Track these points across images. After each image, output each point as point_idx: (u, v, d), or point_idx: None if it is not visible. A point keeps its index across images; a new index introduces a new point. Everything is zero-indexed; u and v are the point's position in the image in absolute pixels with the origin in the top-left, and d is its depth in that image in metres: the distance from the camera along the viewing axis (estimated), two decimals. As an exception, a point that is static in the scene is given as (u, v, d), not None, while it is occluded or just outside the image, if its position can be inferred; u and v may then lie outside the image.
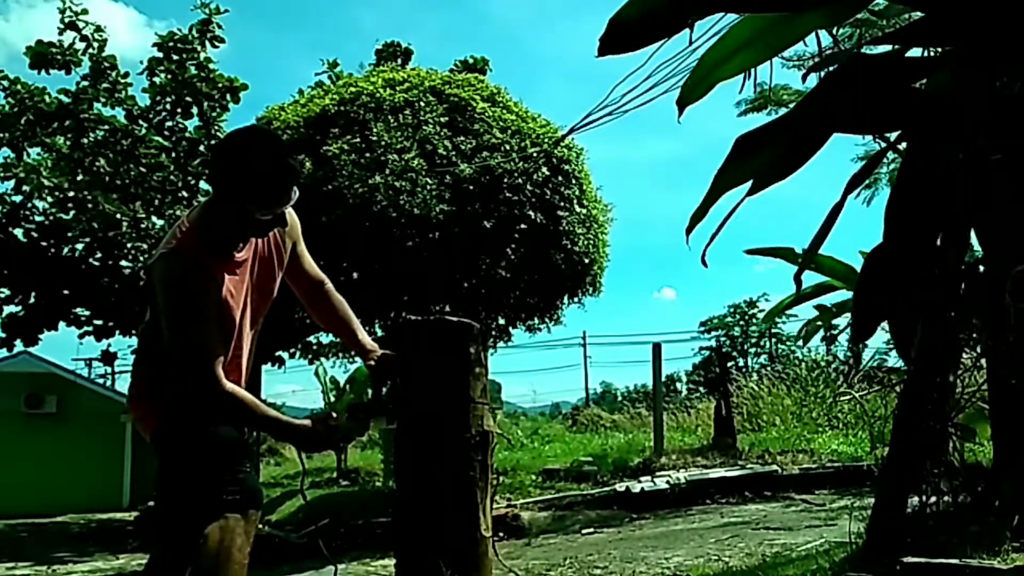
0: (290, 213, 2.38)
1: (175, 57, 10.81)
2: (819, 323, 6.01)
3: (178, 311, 2.19)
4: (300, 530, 7.07)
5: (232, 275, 2.27)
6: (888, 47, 2.22)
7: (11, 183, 10.72)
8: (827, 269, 4.89)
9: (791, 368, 13.11)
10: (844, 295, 5.26)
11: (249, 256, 2.34)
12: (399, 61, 10.77)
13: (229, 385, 2.20)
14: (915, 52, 2.01)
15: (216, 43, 11.11)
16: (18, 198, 10.80)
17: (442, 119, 7.20)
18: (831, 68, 1.72)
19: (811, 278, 5.06)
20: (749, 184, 1.72)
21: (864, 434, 8.62)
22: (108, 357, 12.81)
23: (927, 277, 1.86)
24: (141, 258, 10.19)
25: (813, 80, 2.29)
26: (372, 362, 2.58)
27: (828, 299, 5.55)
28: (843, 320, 6.28)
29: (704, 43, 2.18)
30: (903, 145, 2.10)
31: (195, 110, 11.02)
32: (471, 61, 10.96)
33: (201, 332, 2.18)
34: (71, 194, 10.52)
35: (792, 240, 4.30)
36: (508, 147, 7.17)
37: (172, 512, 2.27)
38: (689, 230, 1.80)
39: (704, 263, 1.90)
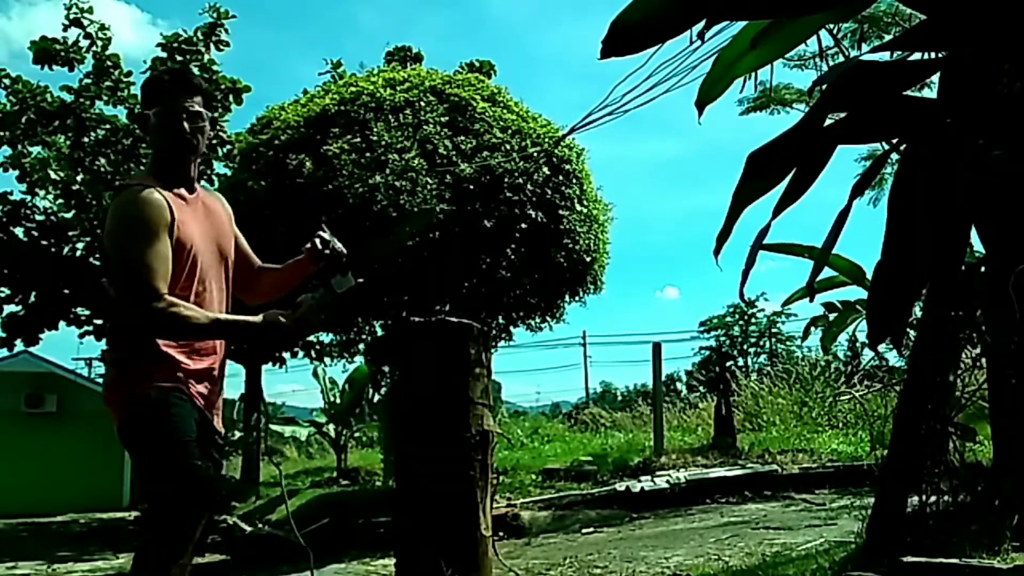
0: (224, 203, 2.58)
1: (179, 58, 10.81)
2: (834, 327, 5.96)
3: (124, 232, 2.26)
4: (300, 530, 7.06)
5: (184, 208, 2.34)
6: (888, 53, 2.22)
7: (15, 173, 10.73)
8: (834, 266, 4.91)
9: (791, 367, 13.10)
10: (851, 292, 5.27)
11: (200, 202, 2.43)
12: (408, 65, 10.79)
13: (170, 298, 2.20)
14: (916, 56, 2.01)
15: (221, 46, 11.12)
16: (19, 196, 10.82)
17: (442, 119, 7.19)
18: (832, 79, 1.72)
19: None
20: (766, 198, 1.73)
21: (864, 434, 8.61)
22: (108, 356, 12.78)
23: (929, 278, 1.86)
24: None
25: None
26: (311, 256, 2.57)
27: (834, 295, 5.55)
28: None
29: (706, 42, 2.19)
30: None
31: (198, 110, 11.01)
32: (477, 64, 10.95)
33: (146, 251, 2.21)
34: (75, 188, 10.51)
35: (795, 237, 4.31)
36: (508, 147, 7.17)
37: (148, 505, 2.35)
38: (717, 252, 1.80)
39: (742, 298, 1.90)
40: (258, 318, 2.31)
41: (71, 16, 10.58)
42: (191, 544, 2.24)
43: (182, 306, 2.22)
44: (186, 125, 2.35)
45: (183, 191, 2.38)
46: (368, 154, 6.85)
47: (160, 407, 2.25)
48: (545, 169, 7.27)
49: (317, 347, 11.36)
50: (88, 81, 10.63)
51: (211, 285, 2.39)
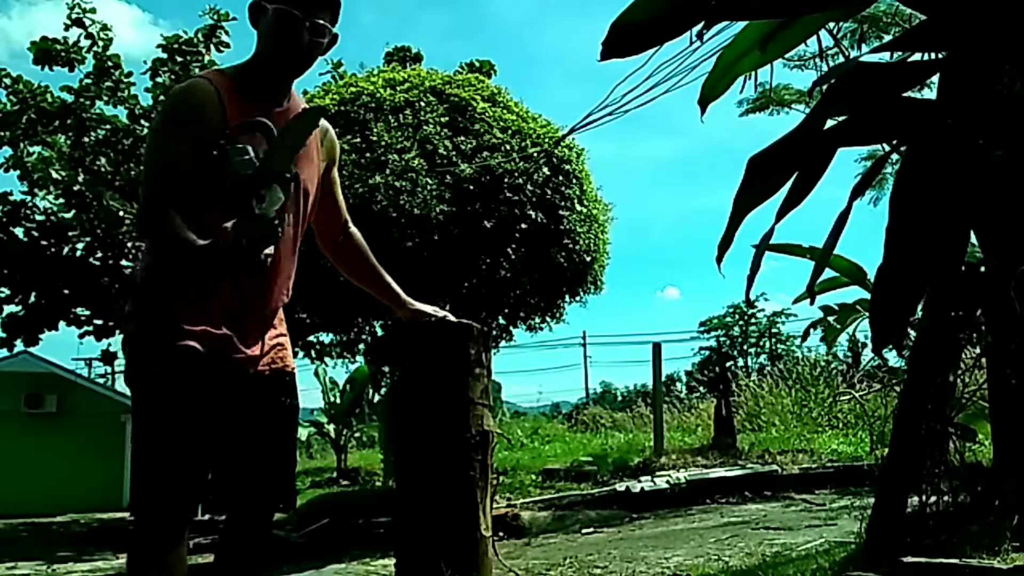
0: (331, 133, 2.25)
1: (179, 59, 10.83)
2: (836, 324, 5.98)
3: (153, 126, 2.06)
4: (300, 530, 7.07)
5: (257, 115, 2.00)
6: (888, 54, 2.23)
7: (15, 173, 10.75)
8: (835, 267, 4.92)
9: (791, 367, 13.11)
10: (853, 292, 5.27)
11: (289, 112, 2.05)
12: (407, 65, 10.79)
13: (170, 214, 1.88)
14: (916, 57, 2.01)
15: (221, 48, 11.14)
16: (20, 196, 10.82)
17: (442, 119, 7.20)
18: (832, 81, 1.73)
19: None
20: (769, 202, 1.73)
21: (864, 434, 8.62)
22: (108, 357, 12.84)
23: (931, 280, 1.87)
24: (141, 257, 10.20)
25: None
26: (406, 316, 2.47)
27: (836, 295, 5.57)
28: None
29: (706, 43, 2.19)
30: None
31: (197, 110, 11.04)
32: (477, 64, 10.96)
33: (162, 147, 1.92)
34: (76, 188, 10.52)
35: (795, 237, 4.32)
36: (508, 147, 7.17)
37: None
38: (719, 259, 1.79)
39: (749, 301, 1.91)
40: (208, 243, 1.86)
41: (73, 16, 10.59)
42: (169, 548, 2.01)
43: (174, 226, 1.87)
44: (306, 35, 1.96)
45: (268, 103, 2.00)
46: (368, 154, 6.85)
47: (153, 381, 1.99)
48: (545, 169, 7.27)
49: (317, 347, 11.36)
50: (88, 81, 10.64)
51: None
